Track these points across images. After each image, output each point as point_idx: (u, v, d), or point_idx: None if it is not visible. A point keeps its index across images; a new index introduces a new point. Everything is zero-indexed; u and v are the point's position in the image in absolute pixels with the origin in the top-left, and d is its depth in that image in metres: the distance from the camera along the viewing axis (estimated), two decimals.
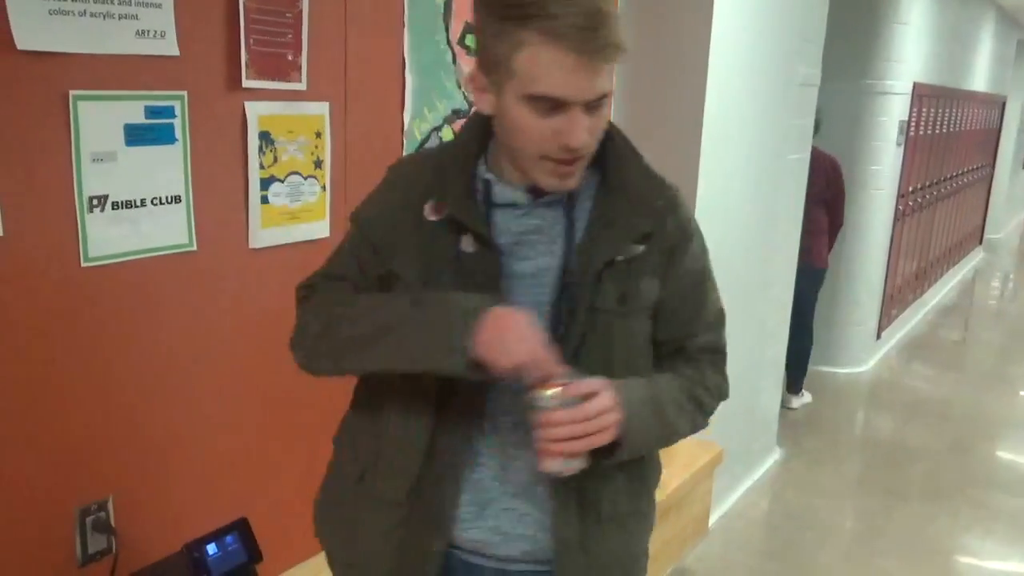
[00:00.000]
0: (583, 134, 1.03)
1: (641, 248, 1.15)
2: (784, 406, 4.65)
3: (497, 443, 1.15)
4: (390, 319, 1.11)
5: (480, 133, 1.16)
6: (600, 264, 1.12)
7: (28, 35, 1.33)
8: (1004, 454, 4.33)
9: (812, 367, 4.89)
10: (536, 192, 1.12)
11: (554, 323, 1.12)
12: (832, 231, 4.50)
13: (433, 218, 1.13)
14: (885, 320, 5.74)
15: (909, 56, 5.12)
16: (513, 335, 1.03)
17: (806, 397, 4.76)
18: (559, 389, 1.03)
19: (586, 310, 1.12)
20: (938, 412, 4.80)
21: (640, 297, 1.16)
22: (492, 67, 1.04)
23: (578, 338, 1.12)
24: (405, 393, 1.16)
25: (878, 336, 5.66)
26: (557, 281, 1.13)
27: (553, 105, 1.01)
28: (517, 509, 1.17)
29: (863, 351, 5.33)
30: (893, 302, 5.89)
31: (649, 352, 1.21)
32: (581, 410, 1.03)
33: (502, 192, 1.14)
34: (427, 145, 2.09)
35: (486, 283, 1.11)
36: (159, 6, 1.50)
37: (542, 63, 0.99)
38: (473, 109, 1.15)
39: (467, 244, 1.12)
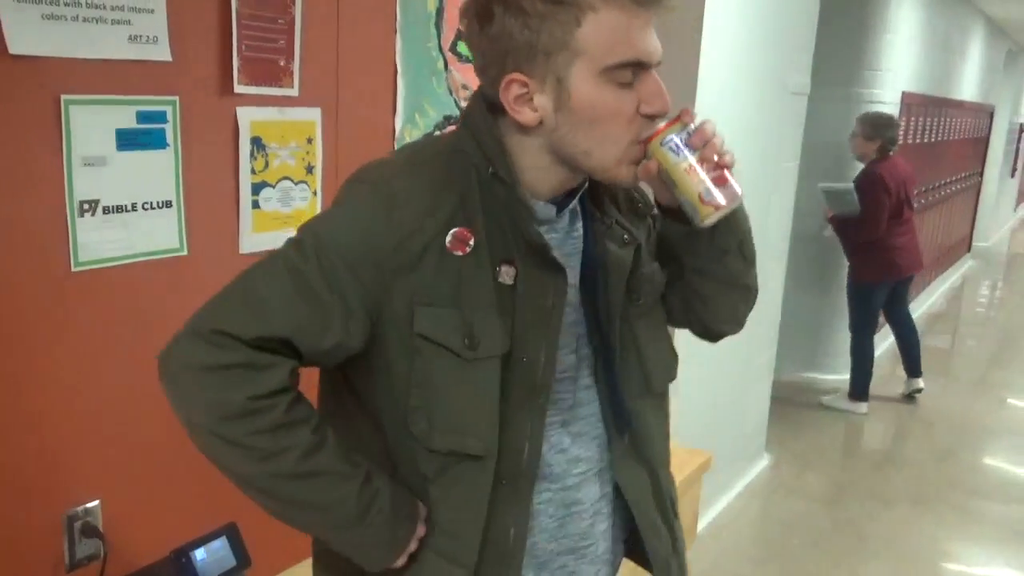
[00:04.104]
0: (666, 94, 0.97)
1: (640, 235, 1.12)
2: (909, 392, 4.99)
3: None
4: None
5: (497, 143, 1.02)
6: (623, 271, 1.08)
7: (21, 39, 1.33)
8: (990, 461, 4.36)
9: (801, 374, 4.91)
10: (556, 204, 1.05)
11: (588, 347, 1.08)
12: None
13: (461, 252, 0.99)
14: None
15: (898, 66, 5.16)
16: None
17: (918, 384, 5.01)
18: (680, 122, 1.00)
19: (620, 323, 1.08)
20: (925, 419, 4.83)
21: (654, 283, 1.14)
22: (544, 60, 0.94)
23: (613, 351, 1.09)
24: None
25: None
26: (576, 298, 1.07)
27: (634, 71, 0.95)
28: (567, 567, 1.13)
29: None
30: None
31: (668, 332, 1.19)
32: (710, 125, 1.01)
33: (544, 209, 1.05)
34: None
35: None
36: (152, 11, 1.50)
37: (612, 27, 0.93)
38: (460, 123, 1.07)
39: (507, 276, 1.00)
